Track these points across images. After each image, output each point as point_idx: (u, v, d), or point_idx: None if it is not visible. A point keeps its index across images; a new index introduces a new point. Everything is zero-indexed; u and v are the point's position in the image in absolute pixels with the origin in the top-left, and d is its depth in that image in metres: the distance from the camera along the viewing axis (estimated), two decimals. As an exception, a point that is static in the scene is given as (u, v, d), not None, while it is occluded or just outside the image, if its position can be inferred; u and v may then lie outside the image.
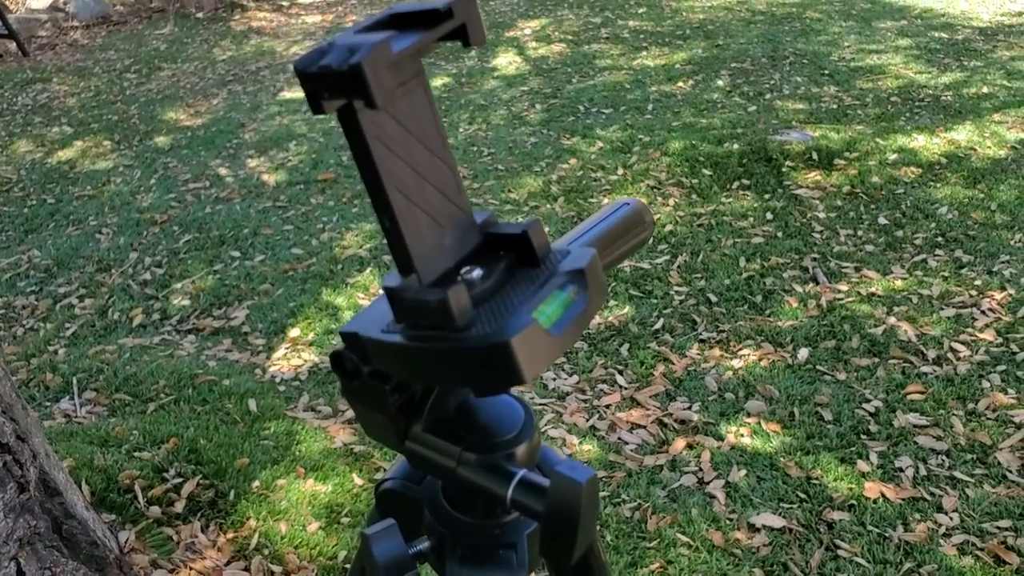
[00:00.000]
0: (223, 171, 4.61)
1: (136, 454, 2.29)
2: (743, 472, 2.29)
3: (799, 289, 3.08)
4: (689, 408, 2.54)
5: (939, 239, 3.31)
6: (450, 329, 0.53)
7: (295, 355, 2.95)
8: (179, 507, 2.12)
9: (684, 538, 2.08)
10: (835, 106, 4.59)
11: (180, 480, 2.20)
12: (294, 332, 3.09)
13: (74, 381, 2.82)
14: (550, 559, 0.70)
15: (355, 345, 0.60)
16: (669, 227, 3.54)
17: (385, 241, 3.58)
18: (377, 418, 0.65)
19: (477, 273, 0.57)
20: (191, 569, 1.96)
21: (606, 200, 3.82)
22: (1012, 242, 3.24)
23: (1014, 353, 2.67)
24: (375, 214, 0.53)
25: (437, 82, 5.66)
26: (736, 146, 4.12)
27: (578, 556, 0.62)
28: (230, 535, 2.08)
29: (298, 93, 5.75)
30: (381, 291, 0.57)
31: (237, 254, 3.71)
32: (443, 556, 0.70)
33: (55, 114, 5.85)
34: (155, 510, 2.10)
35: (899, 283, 3.06)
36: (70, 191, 4.56)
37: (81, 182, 4.66)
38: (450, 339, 0.53)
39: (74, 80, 6.59)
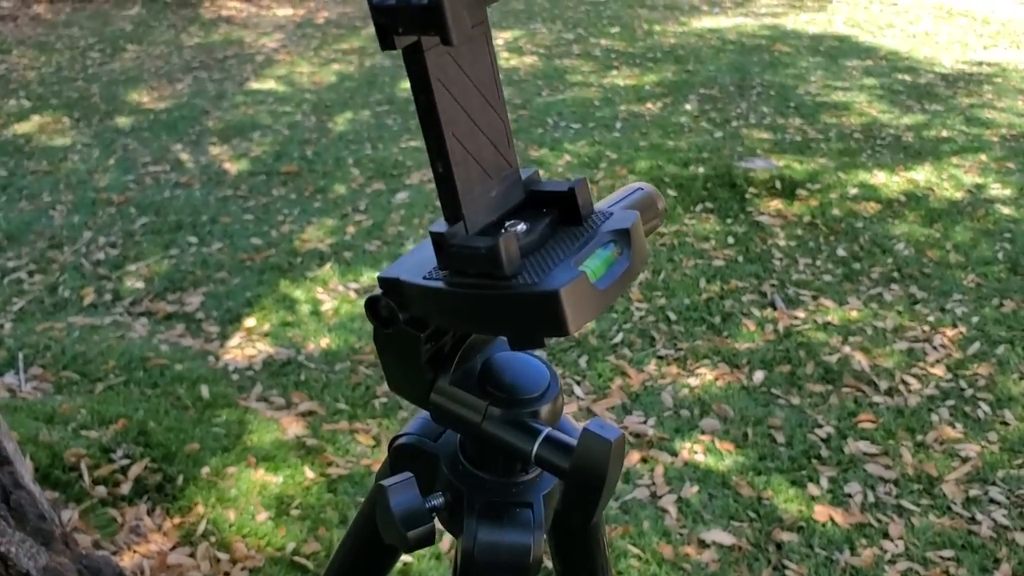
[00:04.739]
0: (184, 156, 4.54)
1: (83, 432, 2.24)
2: (695, 488, 2.30)
3: (757, 313, 3.11)
4: (645, 422, 2.55)
5: (895, 274, 3.37)
6: (497, 277, 0.53)
7: (249, 345, 2.91)
8: (125, 489, 2.08)
9: (635, 550, 2.08)
10: (799, 138, 4.66)
11: (127, 461, 2.15)
12: (249, 322, 3.04)
13: (20, 356, 2.75)
14: (568, 520, 0.69)
15: (394, 291, 0.60)
16: (632, 244, 3.56)
17: (346, 238, 3.56)
18: (405, 369, 0.65)
19: (521, 227, 0.56)
20: (135, 552, 1.91)
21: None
22: (965, 282, 3.31)
23: (963, 389, 2.72)
24: (428, 159, 0.52)
25: (407, 84, 5.64)
26: (702, 170, 4.16)
27: (598, 516, 0.62)
28: (176, 520, 2.03)
29: (265, 84, 5.70)
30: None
31: (194, 240, 3.65)
32: (456, 513, 0.69)
33: (13, 87, 5.72)
34: (100, 490, 2.05)
35: (855, 314, 3.11)
36: (24, 165, 4.46)
37: (37, 157, 4.56)
38: (497, 287, 0.53)
39: (35, 54, 6.46)
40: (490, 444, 0.66)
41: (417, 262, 0.60)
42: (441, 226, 0.55)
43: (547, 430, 0.64)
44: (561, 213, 0.59)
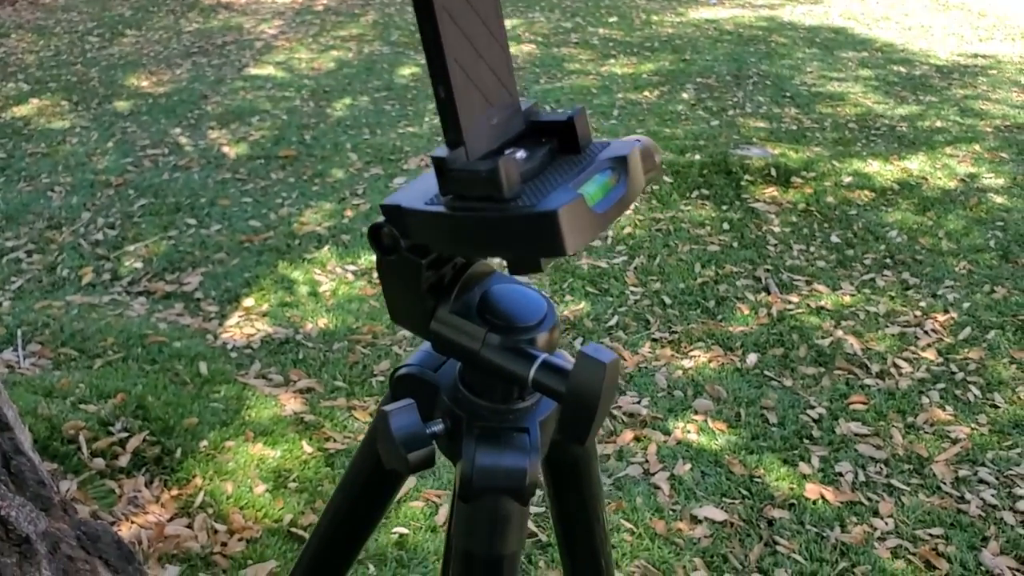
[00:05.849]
0: (183, 140, 4.55)
1: (81, 406, 2.25)
2: (688, 466, 2.32)
3: (751, 297, 3.13)
4: (639, 402, 2.58)
5: (888, 260, 3.40)
6: (497, 200, 0.55)
7: (248, 324, 2.93)
8: (123, 461, 2.10)
9: (628, 524, 2.11)
10: (795, 127, 4.68)
11: (126, 434, 2.17)
12: (248, 302, 3.06)
13: (18, 333, 2.76)
14: (565, 442, 0.71)
15: (396, 218, 0.62)
16: (628, 229, 3.58)
17: (344, 222, 3.57)
18: (407, 297, 0.67)
19: (521, 154, 0.58)
20: (132, 522, 1.93)
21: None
22: (956, 269, 3.34)
23: (953, 373, 2.74)
24: (431, 84, 0.54)
25: (405, 71, 5.66)
26: (698, 157, 4.18)
27: (592, 437, 0.64)
28: (174, 492, 2.06)
29: (264, 70, 5.70)
30: (428, 167, 0.59)
31: (193, 222, 3.67)
32: (455, 439, 0.71)
33: (11, 70, 5.72)
34: (99, 462, 2.07)
35: (847, 299, 3.13)
36: (23, 147, 4.47)
37: (35, 139, 4.57)
38: (496, 209, 0.55)
39: (33, 38, 6.46)
40: (489, 370, 0.68)
41: (419, 190, 0.62)
42: (442, 151, 0.57)
43: (544, 355, 0.66)
44: (560, 142, 0.62)
